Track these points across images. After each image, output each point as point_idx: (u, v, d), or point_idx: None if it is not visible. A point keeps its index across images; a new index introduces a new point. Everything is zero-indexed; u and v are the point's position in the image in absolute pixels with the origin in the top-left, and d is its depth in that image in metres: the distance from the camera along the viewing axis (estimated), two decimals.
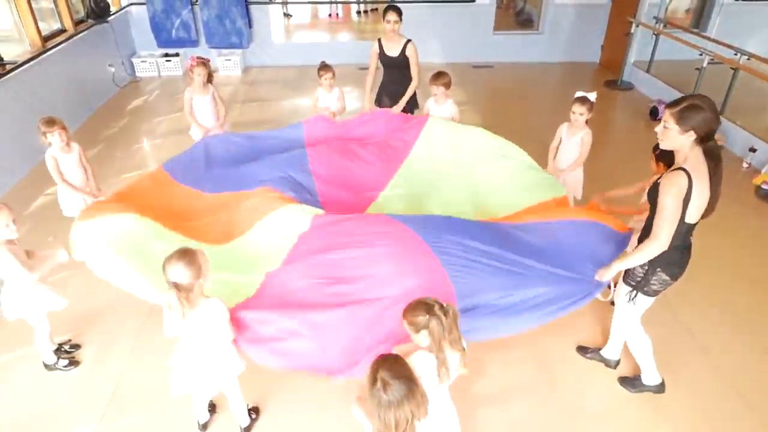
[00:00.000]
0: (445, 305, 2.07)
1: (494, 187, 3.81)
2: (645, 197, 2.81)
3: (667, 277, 2.60)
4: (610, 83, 8.19)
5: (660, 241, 2.39)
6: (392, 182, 3.90)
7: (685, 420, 2.90)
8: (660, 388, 3.01)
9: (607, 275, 2.69)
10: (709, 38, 6.86)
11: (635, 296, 2.69)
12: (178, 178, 3.75)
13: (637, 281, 2.65)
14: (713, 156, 2.37)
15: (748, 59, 6.02)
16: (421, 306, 2.06)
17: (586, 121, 3.87)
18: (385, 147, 4.07)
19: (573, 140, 3.93)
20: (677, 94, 6.97)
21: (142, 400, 3.00)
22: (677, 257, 2.56)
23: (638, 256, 2.51)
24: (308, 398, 2.96)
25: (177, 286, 2.17)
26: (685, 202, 2.34)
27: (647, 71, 7.83)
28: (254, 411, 2.89)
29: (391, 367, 1.82)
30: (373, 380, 1.80)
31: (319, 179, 3.79)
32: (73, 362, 3.22)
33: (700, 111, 2.31)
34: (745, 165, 5.62)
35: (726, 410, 2.96)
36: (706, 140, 2.35)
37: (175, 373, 2.45)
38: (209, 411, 2.86)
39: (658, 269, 2.57)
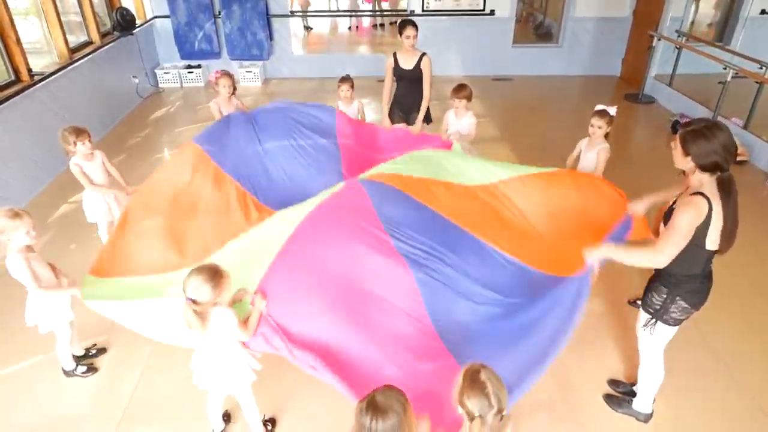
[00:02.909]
0: (503, 415, 1.80)
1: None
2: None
3: (688, 305, 2.48)
4: (631, 97, 8.11)
5: (660, 258, 2.29)
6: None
7: None
8: (647, 418, 2.88)
9: (593, 254, 2.47)
10: (733, 52, 6.76)
11: (654, 324, 2.57)
12: (211, 154, 3.82)
13: (656, 309, 2.54)
14: (724, 188, 2.26)
15: None
16: (482, 398, 1.77)
17: (606, 136, 3.83)
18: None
19: (590, 154, 3.89)
20: (700, 108, 6.88)
21: (157, 409, 3.01)
22: (697, 285, 2.45)
23: (632, 257, 2.39)
24: (325, 410, 2.94)
25: (194, 302, 2.18)
26: (704, 228, 2.25)
27: (669, 85, 7.75)
28: (270, 422, 2.88)
29: (388, 402, 1.67)
30: (370, 399, 1.69)
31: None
32: (92, 369, 3.26)
33: (703, 140, 2.23)
34: None
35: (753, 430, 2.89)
36: (711, 170, 2.26)
37: (195, 367, 2.49)
38: (224, 420, 2.86)
39: (678, 297, 2.46)
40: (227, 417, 2.90)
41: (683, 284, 2.42)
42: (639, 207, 2.90)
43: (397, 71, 4.78)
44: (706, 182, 2.29)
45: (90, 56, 6.62)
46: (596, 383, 3.16)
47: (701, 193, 2.25)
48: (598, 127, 3.78)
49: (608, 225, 2.92)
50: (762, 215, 4.89)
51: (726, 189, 2.25)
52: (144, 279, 2.99)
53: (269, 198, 3.79)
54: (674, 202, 2.43)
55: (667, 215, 2.43)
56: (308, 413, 2.96)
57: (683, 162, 2.33)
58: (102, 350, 3.40)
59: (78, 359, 3.25)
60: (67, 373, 3.22)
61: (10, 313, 3.55)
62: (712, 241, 2.30)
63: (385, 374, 2.49)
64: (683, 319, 2.53)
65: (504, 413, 1.78)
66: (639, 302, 3.68)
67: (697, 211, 2.23)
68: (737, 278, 3.94)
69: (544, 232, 3.25)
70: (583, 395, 3.09)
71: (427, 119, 5.00)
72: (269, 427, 2.86)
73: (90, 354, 3.33)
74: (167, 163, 3.95)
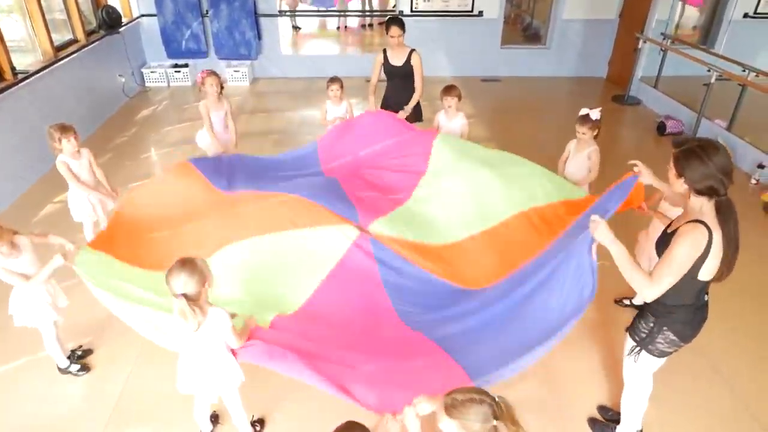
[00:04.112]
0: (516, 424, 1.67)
1: (508, 187, 3.59)
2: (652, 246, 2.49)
3: (676, 338, 2.31)
4: (618, 98, 8.19)
5: (656, 289, 2.11)
6: (414, 195, 3.83)
7: None
8: None
9: (600, 228, 2.17)
10: (717, 54, 6.87)
11: (638, 353, 2.42)
12: (200, 167, 3.81)
13: (642, 337, 2.39)
14: (722, 213, 2.09)
15: (756, 76, 6.02)
16: (486, 410, 1.64)
17: (596, 136, 3.87)
18: (401, 166, 4.03)
19: (580, 156, 3.93)
20: (685, 110, 6.98)
21: (145, 409, 2.99)
22: (688, 317, 2.29)
23: (627, 272, 2.14)
24: (314, 409, 2.93)
25: (185, 296, 2.16)
26: (701, 259, 2.09)
27: (655, 87, 7.84)
28: (259, 423, 2.87)
29: None
30: None
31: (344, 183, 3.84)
32: (85, 367, 3.24)
33: (697, 161, 2.06)
34: (753, 181, 5.59)
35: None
36: (706, 194, 2.10)
37: (180, 372, 2.46)
38: (212, 422, 2.84)
39: (665, 328, 2.30)
40: (215, 418, 2.89)
41: (672, 314, 2.28)
42: (646, 178, 2.62)
43: (387, 68, 4.80)
44: (707, 208, 2.11)
45: (75, 55, 6.53)
46: (585, 384, 3.20)
47: (702, 222, 2.08)
48: (582, 133, 3.82)
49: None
50: (748, 217, 4.94)
51: (724, 215, 2.09)
52: (143, 274, 2.93)
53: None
54: (668, 227, 2.30)
55: (660, 242, 2.30)
56: (297, 413, 2.95)
57: (677, 184, 2.17)
58: (88, 351, 3.37)
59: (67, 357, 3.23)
60: (61, 371, 3.21)
61: None
62: (707, 272, 2.15)
63: (365, 369, 2.51)
64: (670, 352, 2.39)
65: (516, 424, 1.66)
66: (625, 301, 3.76)
67: (696, 243, 2.07)
68: (726, 280, 3.98)
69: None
70: (572, 396, 3.12)
71: (419, 117, 5.00)
72: (258, 428, 2.84)
73: (76, 356, 3.29)
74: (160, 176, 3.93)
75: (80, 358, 3.30)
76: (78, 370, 3.21)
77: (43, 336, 3.05)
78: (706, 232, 2.06)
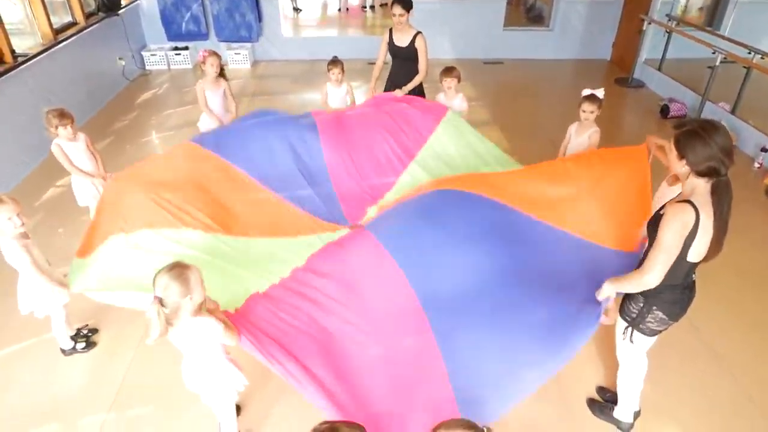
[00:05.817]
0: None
1: None
2: (644, 230, 2.53)
3: (665, 316, 2.37)
4: (621, 81, 8.12)
5: (650, 277, 2.17)
6: (407, 170, 3.83)
7: (699, 428, 2.87)
8: (629, 428, 2.80)
9: (600, 295, 2.46)
10: (722, 36, 6.78)
11: (631, 334, 2.47)
12: (207, 146, 3.66)
13: (633, 317, 2.45)
14: (719, 193, 2.10)
15: (762, 58, 5.95)
16: None
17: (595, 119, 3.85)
18: (397, 132, 3.96)
19: (581, 139, 3.91)
20: (689, 93, 6.91)
21: (150, 391, 3.03)
22: (676, 297, 2.34)
23: (627, 284, 2.32)
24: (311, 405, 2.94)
25: (160, 301, 2.09)
26: (689, 239, 2.12)
27: (659, 69, 7.76)
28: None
29: None
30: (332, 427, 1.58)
31: (330, 166, 3.78)
32: (90, 343, 3.30)
33: (700, 142, 2.07)
34: (756, 165, 5.56)
35: (740, 417, 2.93)
36: (707, 175, 2.11)
37: (183, 371, 2.45)
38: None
39: (654, 307, 2.36)
40: (237, 408, 2.79)
41: (661, 294, 2.32)
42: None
43: (392, 48, 4.77)
44: (700, 189, 2.14)
45: (74, 37, 6.48)
46: (584, 366, 3.21)
47: (689, 202, 2.11)
48: (590, 112, 3.80)
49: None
50: (751, 201, 4.95)
51: (720, 196, 2.10)
52: (135, 237, 2.90)
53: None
54: (662, 209, 2.30)
55: (652, 223, 2.31)
56: (300, 402, 2.95)
57: (678, 165, 2.17)
58: (94, 330, 3.41)
59: (71, 338, 3.26)
60: (64, 353, 3.24)
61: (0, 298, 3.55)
62: (696, 254, 2.19)
63: (371, 354, 2.51)
64: (661, 330, 2.45)
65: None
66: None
67: (682, 223, 2.10)
68: (721, 262, 3.90)
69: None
70: (571, 377, 3.11)
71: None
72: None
73: (81, 334, 3.34)
74: (155, 155, 3.85)
75: (86, 336, 3.33)
76: (83, 348, 3.26)
77: (53, 319, 3.09)
78: (693, 212, 2.09)
